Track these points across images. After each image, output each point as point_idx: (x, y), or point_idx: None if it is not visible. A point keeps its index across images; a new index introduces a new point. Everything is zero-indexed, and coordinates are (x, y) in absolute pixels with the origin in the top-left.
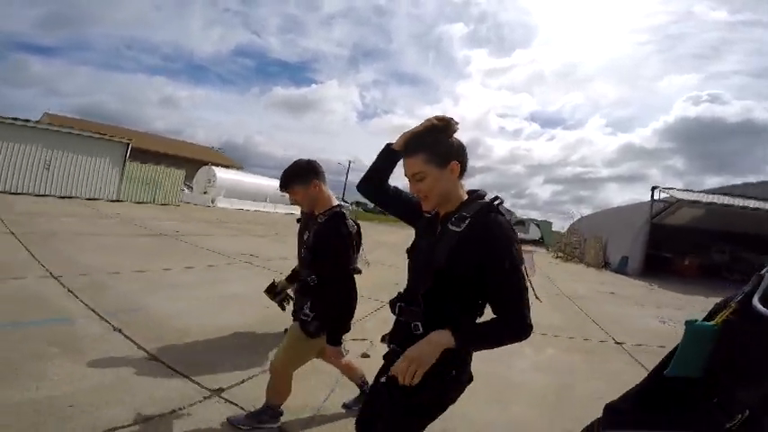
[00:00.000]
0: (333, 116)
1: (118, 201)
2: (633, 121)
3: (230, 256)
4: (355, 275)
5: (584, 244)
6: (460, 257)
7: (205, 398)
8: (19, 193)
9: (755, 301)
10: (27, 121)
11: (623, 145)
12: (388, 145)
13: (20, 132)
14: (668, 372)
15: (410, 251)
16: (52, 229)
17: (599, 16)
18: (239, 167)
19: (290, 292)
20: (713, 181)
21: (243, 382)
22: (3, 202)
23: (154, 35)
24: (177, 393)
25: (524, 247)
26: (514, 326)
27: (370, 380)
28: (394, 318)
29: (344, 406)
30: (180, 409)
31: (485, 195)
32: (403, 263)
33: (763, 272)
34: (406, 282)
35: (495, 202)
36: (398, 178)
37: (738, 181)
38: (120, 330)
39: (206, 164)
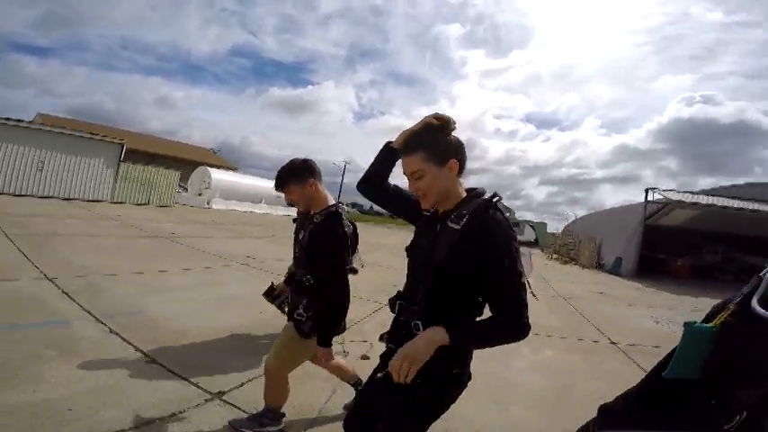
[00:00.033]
0: (329, 117)
1: (117, 203)
2: (627, 122)
3: (227, 258)
4: (352, 276)
5: (578, 245)
6: (460, 255)
7: (206, 400)
8: (12, 194)
9: (754, 302)
10: (20, 121)
11: (617, 146)
12: (388, 143)
13: (12, 132)
14: (667, 373)
15: (409, 249)
16: (48, 230)
17: (597, 18)
18: (234, 169)
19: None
20: (706, 182)
21: (243, 384)
22: None
23: (150, 35)
24: (176, 396)
25: (521, 249)
26: (512, 325)
27: (365, 380)
28: (393, 318)
29: (346, 407)
30: (180, 412)
31: (484, 193)
32: (401, 265)
33: (762, 273)
34: (406, 280)
35: (494, 200)
36: (398, 177)
37: (728, 183)
38: (117, 333)
39: (201, 165)
